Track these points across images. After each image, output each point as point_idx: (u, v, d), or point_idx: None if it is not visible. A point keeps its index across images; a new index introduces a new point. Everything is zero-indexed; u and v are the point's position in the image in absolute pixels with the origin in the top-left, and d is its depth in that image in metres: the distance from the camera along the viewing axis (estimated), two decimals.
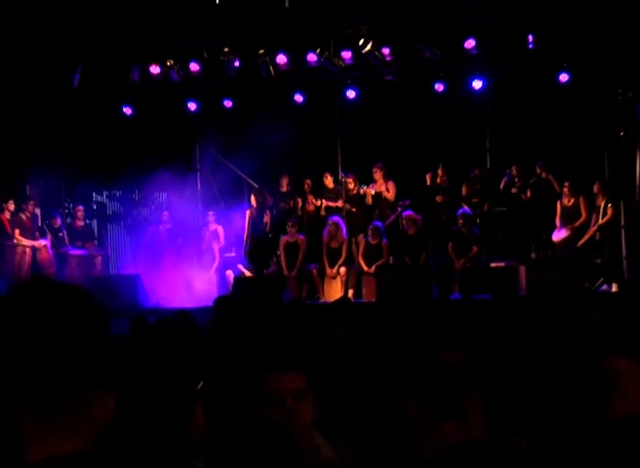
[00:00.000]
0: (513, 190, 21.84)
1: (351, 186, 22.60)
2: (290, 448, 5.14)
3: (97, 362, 3.26)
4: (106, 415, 3.32)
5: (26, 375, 3.28)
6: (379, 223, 21.77)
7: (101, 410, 3.32)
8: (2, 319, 3.13)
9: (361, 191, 22.60)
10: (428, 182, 22.78)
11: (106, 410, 3.36)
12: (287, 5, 21.92)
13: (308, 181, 23.27)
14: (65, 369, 3.24)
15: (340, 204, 22.85)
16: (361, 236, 22.09)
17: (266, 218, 22.97)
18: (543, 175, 21.38)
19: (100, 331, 3.71)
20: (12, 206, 22.14)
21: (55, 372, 3.29)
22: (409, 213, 21.90)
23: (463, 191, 22.27)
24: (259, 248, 22.70)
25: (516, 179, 21.94)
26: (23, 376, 3.29)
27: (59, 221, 23.39)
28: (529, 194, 21.60)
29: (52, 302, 4.38)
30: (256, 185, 24.94)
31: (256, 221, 22.71)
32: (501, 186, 22.28)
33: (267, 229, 22.89)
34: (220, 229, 23.36)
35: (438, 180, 22.72)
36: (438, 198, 22.19)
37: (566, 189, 20.71)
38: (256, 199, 23.13)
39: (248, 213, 23.02)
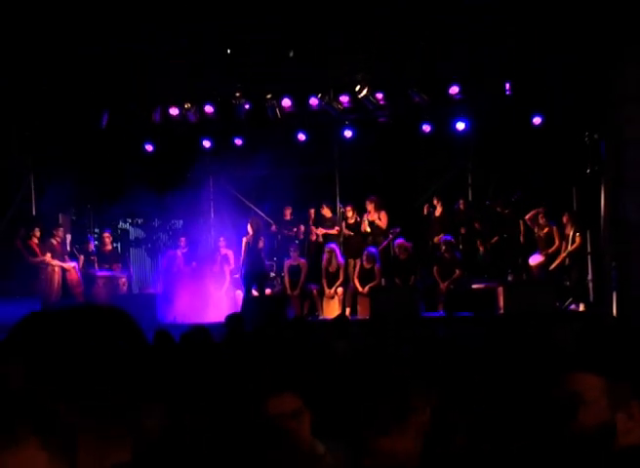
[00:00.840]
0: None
1: (350, 214, 22.78)
2: (293, 460, 4.96)
3: (145, 376, 3.25)
4: (155, 426, 3.55)
5: (81, 390, 3.22)
6: (372, 249, 21.92)
7: (150, 422, 3.46)
8: (59, 339, 3.04)
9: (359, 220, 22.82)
10: (425, 212, 22.96)
11: (155, 422, 3.59)
12: (291, 55, 22.19)
13: (312, 212, 23.47)
14: (117, 383, 3.23)
15: (336, 231, 23.09)
16: (357, 260, 22.18)
17: (261, 244, 22.90)
18: (518, 206, 21.57)
19: (145, 348, 3.96)
20: (37, 233, 22.23)
21: (107, 387, 3.26)
22: (400, 240, 22.03)
23: (449, 221, 22.36)
24: (253, 271, 22.66)
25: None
26: (79, 391, 3.23)
27: (92, 245, 23.63)
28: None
29: (102, 324, 4.58)
30: (263, 214, 25.28)
31: (251, 247, 22.76)
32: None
33: (262, 255, 22.91)
34: (231, 253, 23.53)
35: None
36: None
37: (541, 220, 20.88)
38: (251, 227, 23.02)
39: (244, 239, 22.98)
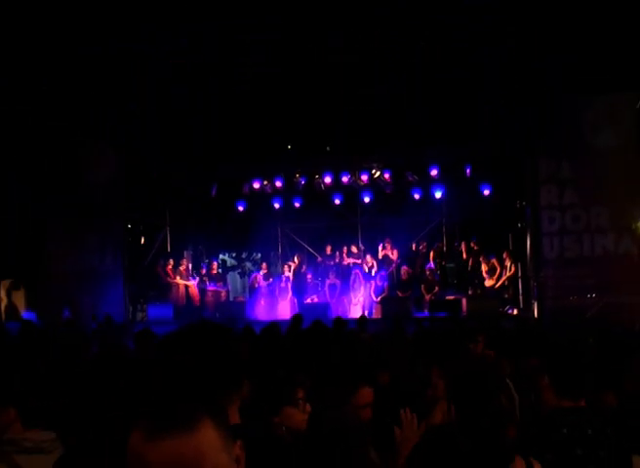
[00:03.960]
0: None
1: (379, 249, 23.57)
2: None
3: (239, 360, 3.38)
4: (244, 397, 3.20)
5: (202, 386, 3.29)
6: (385, 273, 22.81)
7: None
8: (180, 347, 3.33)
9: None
10: (414, 248, 23.61)
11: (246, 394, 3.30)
12: (328, 149, 22.86)
13: (344, 248, 24.04)
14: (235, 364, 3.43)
15: (359, 261, 23.59)
16: (372, 281, 22.78)
17: (304, 268, 24.04)
18: (475, 246, 22.24)
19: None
20: (171, 262, 22.93)
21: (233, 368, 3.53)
22: (405, 267, 22.62)
23: (431, 255, 23.06)
24: (298, 286, 23.70)
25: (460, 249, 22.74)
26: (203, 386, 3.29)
27: (204, 270, 24.10)
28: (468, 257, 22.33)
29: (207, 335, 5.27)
30: (312, 250, 25.82)
31: (297, 272, 23.86)
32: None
33: (305, 276, 23.86)
34: (291, 275, 23.93)
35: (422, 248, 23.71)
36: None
37: (490, 256, 21.40)
38: (298, 259, 24.31)
39: (292, 266, 24.06)
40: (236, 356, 3.62)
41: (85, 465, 3.28)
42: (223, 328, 9.16)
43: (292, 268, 24.20)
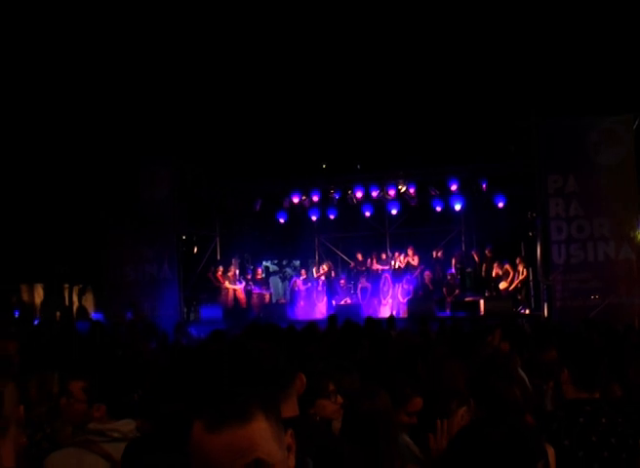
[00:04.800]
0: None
1: (401, 256, 23.41)
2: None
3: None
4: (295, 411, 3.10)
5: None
6: (411, 277, 22.71)
7: (294, 409, 3.13)
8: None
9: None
10: (434, 256, 23.17)
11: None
12: (358, 167, 22.91)
13: (374, 255, 23.80)
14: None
15: (388, 267, 23.40)
16: (399, 283, 22.70)
17: (333, 274, 24.06)
18: (489, 253, 21.92)
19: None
20: (220, 269, 22.86)
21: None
22: (427, 272, 22.49)
23: (453, 261, 22.76)
24: (331, 287, 23.66)
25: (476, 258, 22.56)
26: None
27: (249, 275, 24.16)
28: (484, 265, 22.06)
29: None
30: (345, 257, 25.76)
31: (328, 275, 23.85)
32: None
33: (336, 281, 23.86)
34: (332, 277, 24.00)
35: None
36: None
37: (505, 261, 21.19)
38: (327, 266, 24.14)
39: (323, 271, 24.06)
40: (290, 354, 3.44)
41: (152, 450, 3.25)
42: (280, 328, 9.12)
43: (322, 273, 24.20)
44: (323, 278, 24.07)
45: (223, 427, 2.02)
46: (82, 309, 21.47)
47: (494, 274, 21.50)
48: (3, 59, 13.36)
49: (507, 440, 2.51)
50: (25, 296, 20.99)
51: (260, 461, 2.02)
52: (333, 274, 24.24)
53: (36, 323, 19.28)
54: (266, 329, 8.97)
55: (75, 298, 21.90)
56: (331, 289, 23.81)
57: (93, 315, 20.89)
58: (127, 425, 3.94)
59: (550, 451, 3.60)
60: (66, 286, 21.79)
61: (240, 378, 2.73)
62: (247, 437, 2.02)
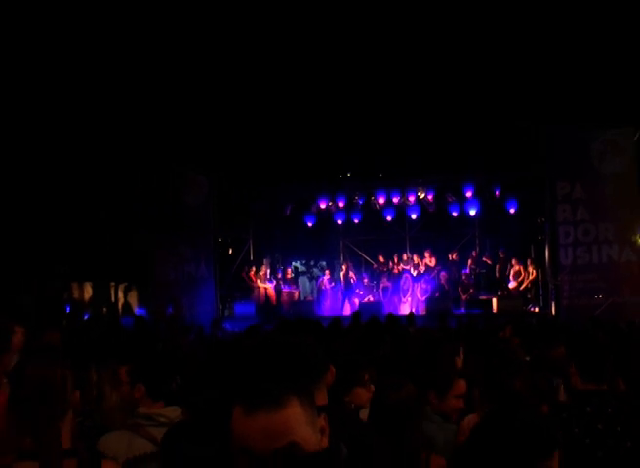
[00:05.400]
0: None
1: (420, 260, 23.34)
2: None
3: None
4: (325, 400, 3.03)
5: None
6: (429, 277, 22.67)
7: (325, 398, 3.08)
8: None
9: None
10: (450, 257, 23.11)
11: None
12: (380, 175, 22.91)
13: (395, 256, 23.74)
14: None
15: (408, 267, 23.23)
16: (418, 283, 22.76)
17: (351, 274, 23.90)
18: (502, 255, 21.93)
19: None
20: (253, 268, 22.85)
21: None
22: (443, 273, 22.40)
23: (469, 262, 22.76)
24: (347, 286, 23.67)
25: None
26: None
27: (279, 275, 24.22)
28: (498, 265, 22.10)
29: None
30: (368, 258, 25.60)
31: (346, 275, 23.76)
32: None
33: (352, 281, 23.84)
34: (354, 278, 24.03)
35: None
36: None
37: (516, 263, 21.20)
38: (346, 266, 24.17)
39: (342, 272, 24.10)
40: (323, 346, 3.43)
41: (190, 436, 3.24)
42: (313, 322, 9.14)
43: (341, 274, 24.25)
44: (350, 277, 24.07)
45: (260, 411, 2.03)
46: (127, 305, 21.61)
47: (513, 271, 21.43)
48: (29, 58, 13.15)
49: (527, 429, 2.49)
50: (76, 294, 21.15)
51: (295, 444, 2.01)
52: (351, 274, 24.12)
53: (86, 317, 19.43)
54: (298, 323, 8.92)
55: (121, 295, 22.08)
56: (347, 288, 23.80)
57: (136, 310, 21.01)
58: (174, 411, 3.96)
59: None
60: (113, 284, 21.97)
61: (277, 368, 2.75)
62: (282, 421, 2.03)
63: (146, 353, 4.28)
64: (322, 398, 3.01)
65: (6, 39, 12.26)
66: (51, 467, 2.81)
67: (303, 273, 26.56)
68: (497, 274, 22.08)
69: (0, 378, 4.81)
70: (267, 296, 23.12)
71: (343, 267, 24.36)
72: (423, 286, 22.64)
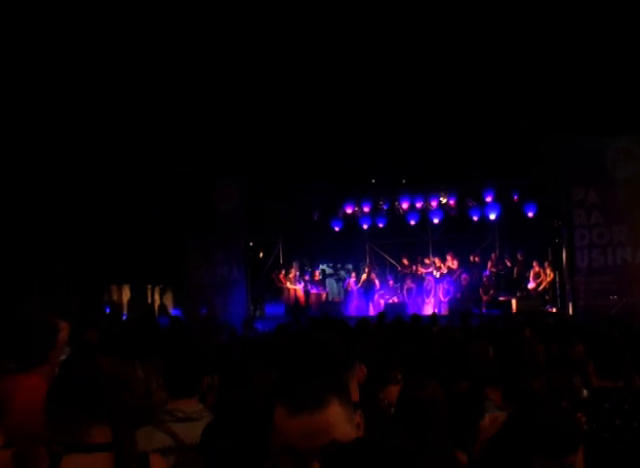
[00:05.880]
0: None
1: (442, 263, 23.38)
2: None
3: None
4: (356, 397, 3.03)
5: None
6: (451, 279, 22.64)
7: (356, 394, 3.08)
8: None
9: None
10: (471, 260, 23.11)
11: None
12: (404, 182, 22.94)
13: (419, 259, 23.82)
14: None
15: (431, 269, 23.38)
16: (440, 284, 22.73)
17: (373, 277, 23.88)
18: (521, 257, 21.93)
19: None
20: (283, 271, 23.09)
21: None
22: (464, 275, 22.48)
23: (489, 264, 22.67)
24: (367, 290, 23.69)
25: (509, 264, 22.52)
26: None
27: (307, 277, 24.32)
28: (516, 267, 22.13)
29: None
30: (393, 261, 25.50)
31: (367, 278, 23.70)
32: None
33: (373, 283, 23.81)
34: (377, 281, 24.02)
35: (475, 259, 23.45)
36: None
37: (534, 265, 21.25)
38: (368, 268, 24.22)
39: (364, 275, 24.03)
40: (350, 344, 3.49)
41: (225, 432, 3.13)
42: (340, 321, 9.07)
43: (362, 276, 24.19)
44: (372, 280, 24.03)
45: (302, 413, 2.04)
46: (163, 306, 21.66)
47: (532, 273, 21.37)
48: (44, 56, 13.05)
49: (552, 426, 2.52)
50: (115, 295, 21.26)
51: (336, 442, 1.98)
52: (372, 276, 24.05)
53: (124, 318, 19.56)
54: (325, 322, 8.92)
55: (157, 297, 22.17)
56: (368, 291, 23.77)
57: (172, 311, 21.05)
58: (191, 406, 3.91)
59: None
60: (149, 286, 22.07)
61: (313, 365, 2.76)
62: (324, 421, 2.04)
63: (176, 350, 4.23)
64: (354, 394, 2.99)
65: (5, 39, 12.12)
66: (127, 461, 2.82)
67: (331, 275, 26.55)
68: (516, 276, 22.03)
69: (53, 371, 4.76)
70: (296, 298, 23.18)
71: (366, 270, 24.32)
72: (446, 287, 22.57)
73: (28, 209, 15.12)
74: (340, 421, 2.08)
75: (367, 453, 1.74)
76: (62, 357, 4.90)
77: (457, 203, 23.36)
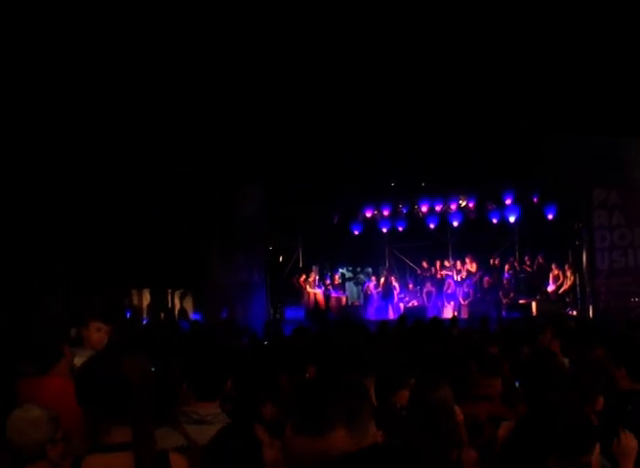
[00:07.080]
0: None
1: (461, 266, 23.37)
2: None
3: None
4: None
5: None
6: (470, 282, 22.55)
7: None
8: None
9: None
10: (491, 263, 23.03)
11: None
12: (423, 185, 22.90)
13: (438, 262, 23.91)
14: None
15: (450, 272, 23.35)
16: (461, 287, 22.65)
17: (392, 280, 23.93)
18: (541, 260, 21.80)
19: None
20: (303, 275, 23.20)
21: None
22: (486, 277, 22.36)
23: (506, 267, 22.51)
24: (386, 293, 23.76)
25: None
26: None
27: (327, 281, 24.36)
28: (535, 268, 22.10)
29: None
30: (412, 264, 25.48)
31: (385, 282, 23.83)
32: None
33: (391, 285, 23.86)
34: (397, 284, 24.09)
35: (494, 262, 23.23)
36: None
37: (554, 267, 21.03)
38: (387, 272, 24.40)
39: (382, 278, 24.22)
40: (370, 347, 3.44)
41: (237, 434, 3.25)
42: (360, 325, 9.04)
43: (380, 280, 24.29)
44: (393, 282, 24.15)
45: (305, 434, 2.05)
46: (183, 311, 21.77)
47: (552, 275, 21.22)
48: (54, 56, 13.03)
49: (568, 427, 2.48)
50: (135, 300, 21.36)
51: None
52: (391, 280, 24.10)
53: (145, 322, 19.66)
54: (346, 326, 8.95)
55: (177, 301, 22.23)
56: (386, 295, 23.79)
57: (192, 315, 21.16)
58: (208, 409, 3.89)
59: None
60: (169, 290, 22.12)
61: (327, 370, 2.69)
62: (324, 445, 2.02)
63: (194, 354, 4.24)
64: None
65: (5, 39, 12.13)
66: (146, 461, 2.82)
67: (350, 279, 26.45)
68: (536, 278, 21.89)
69: (68, 366, 4.92)
70: (316, 301, 23.22)
71: (384, 273, 24.40)
72: (465, 290, 22.48)
73: (28, 209, 15.21)
74: (344, 445, 2.03)
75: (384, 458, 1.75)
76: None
77: (476, 205, 23.32)
